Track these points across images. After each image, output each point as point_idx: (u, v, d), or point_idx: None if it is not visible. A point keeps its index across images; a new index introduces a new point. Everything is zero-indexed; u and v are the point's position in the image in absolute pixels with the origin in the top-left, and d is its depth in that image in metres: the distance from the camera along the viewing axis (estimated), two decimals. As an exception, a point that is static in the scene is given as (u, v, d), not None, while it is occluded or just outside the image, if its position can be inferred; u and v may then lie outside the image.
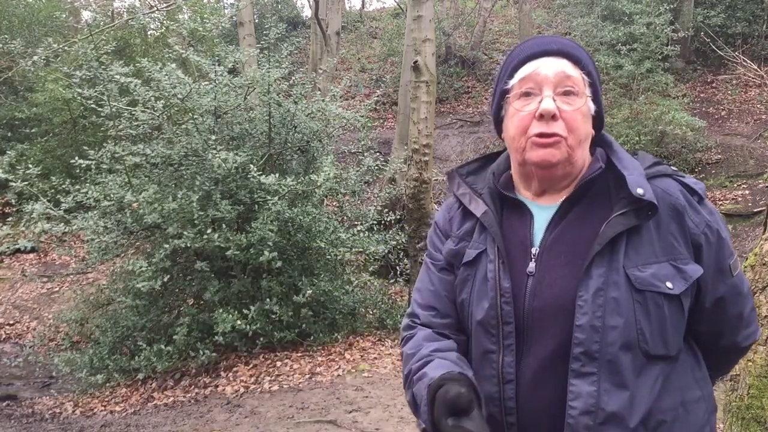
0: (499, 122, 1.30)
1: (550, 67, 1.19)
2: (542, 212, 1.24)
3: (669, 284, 1.12)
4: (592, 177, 1.20)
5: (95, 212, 5.81)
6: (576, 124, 1.17)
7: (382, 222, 6.77)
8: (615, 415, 1.09)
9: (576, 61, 1.21)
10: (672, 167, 1.23)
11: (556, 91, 1.18)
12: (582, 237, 1.17)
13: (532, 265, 1.19)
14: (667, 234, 1.15)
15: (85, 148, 6.31)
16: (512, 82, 1.22)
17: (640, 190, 1.12)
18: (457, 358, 1.21)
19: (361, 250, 6.24)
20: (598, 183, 1.21)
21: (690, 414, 1.17)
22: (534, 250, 1.20)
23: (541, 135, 1.17)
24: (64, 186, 5.76)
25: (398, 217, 7.26)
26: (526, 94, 1.20)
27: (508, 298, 1.18)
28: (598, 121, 1.26)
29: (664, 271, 1.13)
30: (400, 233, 6.86)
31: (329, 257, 6.11)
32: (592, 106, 1.22)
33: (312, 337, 5.99)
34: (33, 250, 10.32)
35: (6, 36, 8.53)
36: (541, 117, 1.16)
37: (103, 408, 5.52)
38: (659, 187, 1.17)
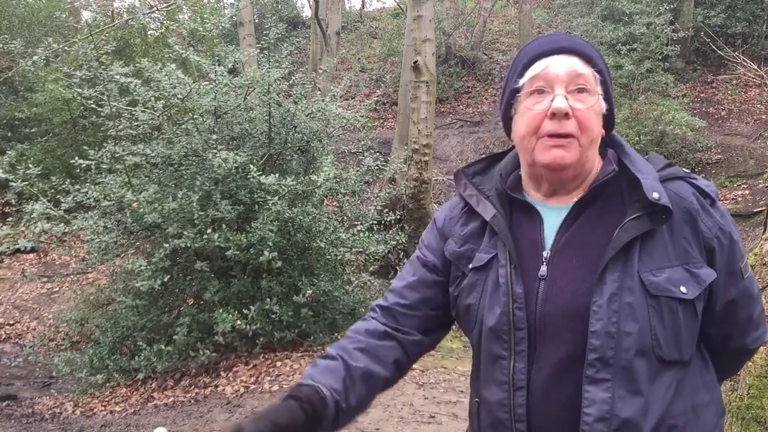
0: (508, 122, 1.27)
1: (561, 64, 1.16)
2: (553, 214, 1.22)
3: (683, 289, 1.11)
4: (606, 179, 1.18)
5: (95, 212, 5.81)
6: (588, 123, 1.15)
7: (382, 222, 6.76)
8: (629, 421, 1.08)
9: (587, 59, 1.18)
10: (684, 169, 1.22)
11: (568, 89, 1.15)
12: (594, 240, 1.16)
13: (543, 269, 1.17)
14: (680, 238, 1.14)
15: (85, 148, 6.31)
16: (522, 80, 1.19)
17: (655, 195, 1.11)
18: (352, 373, 1.22)
19: (361, 250, 6.24)
20: (611, 185, 1.19)
21: (700, 418, 1.16)
22: (545, 254, 1.19)
23: (553, 134, 1.14)
24: (64, 186, 5.75)
25: (398, 217, 7.26)
26: (537, 92, 1.17)
27: (521, 303, 1.16)
28: (608, 121, 1.23)
29: (677, 276, 1.11)
30: (400, 233, 6.86)
31: (329, 257, 6.11)
32: (603, 105, 1.20)
33: (312, 338, 5.99)
34: (33, 250, 10.33)
35: (6, 36, 8.53)
36: (553, 116, 1.14)
37: (103, 408, 5.52)
38: (672, 190, 1.15)
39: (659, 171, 1.19)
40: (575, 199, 1.20)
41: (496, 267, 1.21)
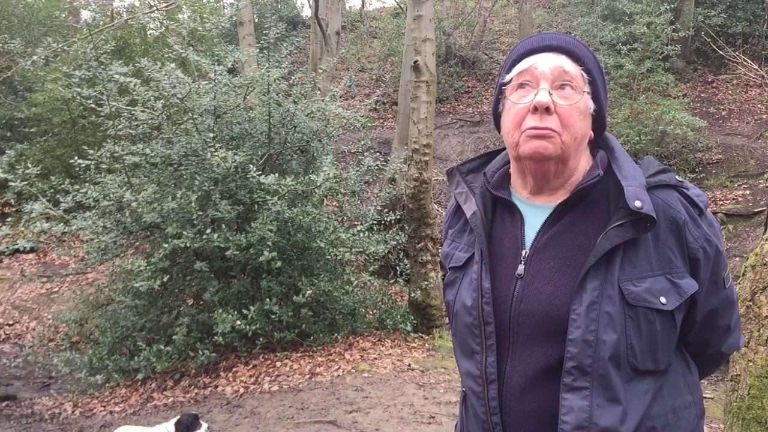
0: (498, 118, 1.28)
1: (548, 62, 1.17)
2: (536, 213, 1.22)
3: (663, 299, 1.10)
4: (591, 183, 1.18)
5: (94, 212, 5.80)
6: (571, 120, 1.15)
7: (382, 222, 6.75)
8: (608, 430, 1.08)
9: (575, 58, 1.18)
10: (677, 176, 1.20)
11: (552, 86, 1.15)
12: (576, 244, 1.15)
13: (521, 268, 1.18)
14: (665, 247, 1.13)
15: (85, 147, 6.30)
16: (510, 76, 1.21)
17: (638, 203, 1.09)
18: None
19: (361, 250, 6.23)
20: (597, 189, 1.18)
21: (681, 419, 1.16)
22: (524, 252, 1.19)
23: (533, 128, 1.14)
24: (63, 186, 5.75)
25: (398, 217, 7.25)
26: (523, 87, 1.18)
27: (488, 298, 1.18)
28: (599, 122, 1.22)
29: (659, 286, 1.10)
30: (400, 233, 6.85)
31: (329, 257, 6.10)
32: (591, 105, 1.19)
33: (312, 338, 5.98)
34: (32, 250, 10.30)
35: (5, 35, 8.51)
36: (535, 110, 1.14)
37: (102, 408, 5.51)
38: (660, 199, 1.14)
39: (650, 177, 1.17)
40: (560, 200, 1.20)
41: (473, 264, 1.23)
